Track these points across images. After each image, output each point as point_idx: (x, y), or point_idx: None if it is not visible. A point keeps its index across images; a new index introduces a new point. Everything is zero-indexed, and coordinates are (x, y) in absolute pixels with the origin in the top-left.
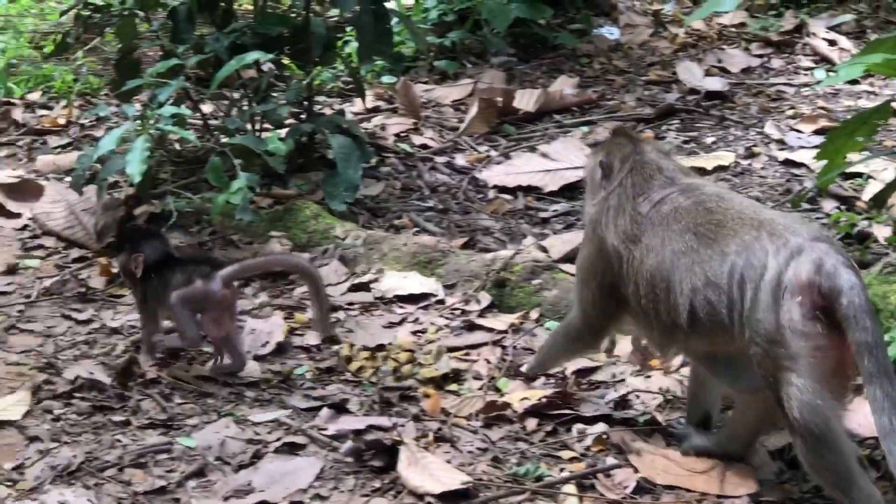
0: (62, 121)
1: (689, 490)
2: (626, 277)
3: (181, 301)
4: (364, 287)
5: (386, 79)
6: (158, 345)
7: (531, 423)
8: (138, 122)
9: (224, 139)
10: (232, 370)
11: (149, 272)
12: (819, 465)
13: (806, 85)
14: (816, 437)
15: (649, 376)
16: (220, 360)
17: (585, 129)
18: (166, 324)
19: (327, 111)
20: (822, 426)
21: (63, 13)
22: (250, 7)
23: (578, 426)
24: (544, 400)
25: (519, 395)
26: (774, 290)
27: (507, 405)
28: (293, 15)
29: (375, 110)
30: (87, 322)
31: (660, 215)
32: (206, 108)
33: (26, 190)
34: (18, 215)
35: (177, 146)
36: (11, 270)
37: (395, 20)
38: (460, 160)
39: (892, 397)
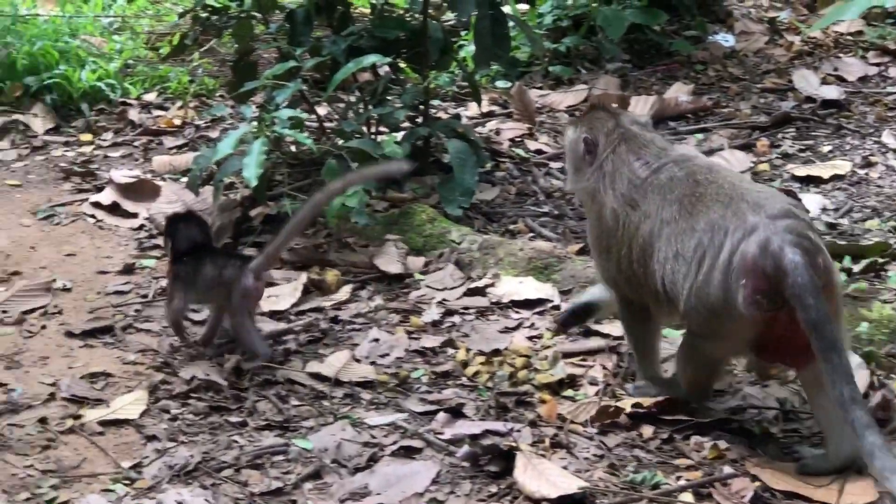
0: (178, 121)
1: (807, 500)
2: (621, 240)
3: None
4: (480, 292)
5: (501, 83)
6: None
7: (647, 431)
8: (255, 124)
9: (340, 142)
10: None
11: (182, 256)
12: (693, 373)
13: None
14: (706, 365)
15: (766, 385)
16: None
17: (700, 136)
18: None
19: (443, 115)
20: (713, 364)
21: (181, 15)
22: (367, 10)
23: (695, 437)
24: (658, 407)
25: (631, 401)
26: (725, 270)
27: (620, 410)
28: (410, 18)
29: (490, 115)
30: (203, 322)
31: (658, 182)
32: (322, 110)
33: (143, 190)
34: (135, 215)
35: (292, 148)
36: (128, 270)
37: (511, 24)
38: None
39: (841, 368)
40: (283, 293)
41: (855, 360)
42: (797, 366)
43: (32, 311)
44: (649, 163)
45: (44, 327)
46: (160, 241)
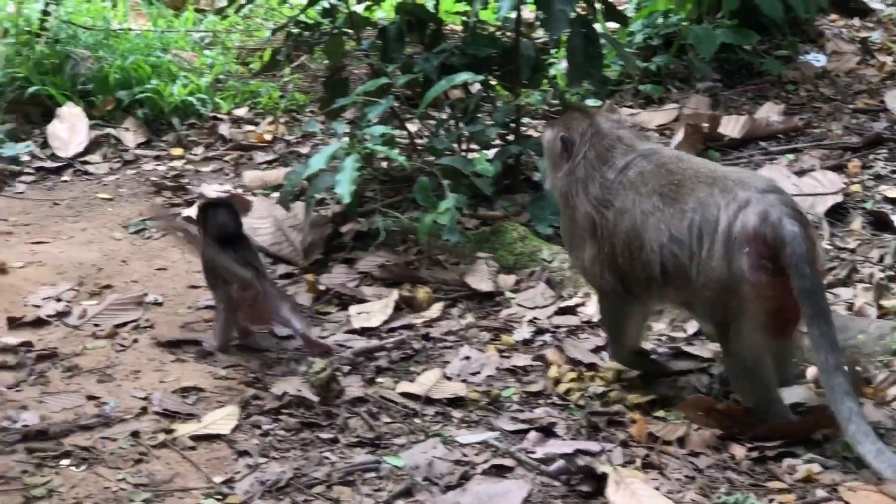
0: (268, 137)
1: None
2: (602, 239)
3: None
4: (570, 311)
5: (591, 102)
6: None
7: (739, 452)
8: (347, 140)
9: (431, 159)
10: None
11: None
12: (743, 386)
13: None
14: (748, 369)
15: (860, 405)
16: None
17: (791, 156)
18: None
19: (533, 133)
20: (754, 360)
21: (274, 31)
22: (459, 27)
23: (788, 459)
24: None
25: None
26: (726, 241)
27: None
28: (502, 36)
29: None
30: (293, 338)
31: (628, 180)
32: (412, 126)
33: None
34: None
35: (383, 164)
36: None
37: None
38: None
39: (828, 337)
40: (374, 310)
41: None
42: (783, 337)
43: (124, 324)
44: (617, 163)
45: (136, 341)
46: None
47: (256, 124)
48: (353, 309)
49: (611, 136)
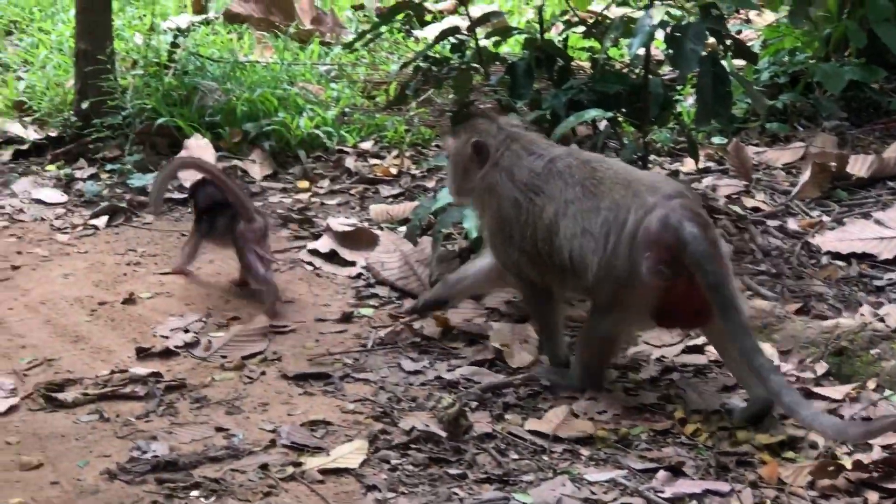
0: (394, 170)
1: None
2: (524, 224)
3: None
4: (698, 349)
5: (717, 139)
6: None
7: (872, 497)
8: None
9: None
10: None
11: (202, 211)
12: (586, 350)
13: None
14: (601, 340)
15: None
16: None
17: None
18: None
19: (659, 170)
20: (611, 339)
21: (403, 66)
22: (587, 64)
23: None
24: (879, 468)
25: (853, 459)
26: (630, 243)
27: (841, 468)
28: (630, 73)
29: (706, 171)
30: (422, 373)
31: (557, 169)
32: None
33: (360, 239)
34: (352, 263)
35: None
36: (346, 318)
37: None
38: (792, 224)
39: (740, 324)
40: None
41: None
42: (698, 326)
43: (252, 356)
44: (543, 155)
45: (263, 373)
46: (378, 289)
47: (382, 158)
48: (493, 343)
49: (526, 134)
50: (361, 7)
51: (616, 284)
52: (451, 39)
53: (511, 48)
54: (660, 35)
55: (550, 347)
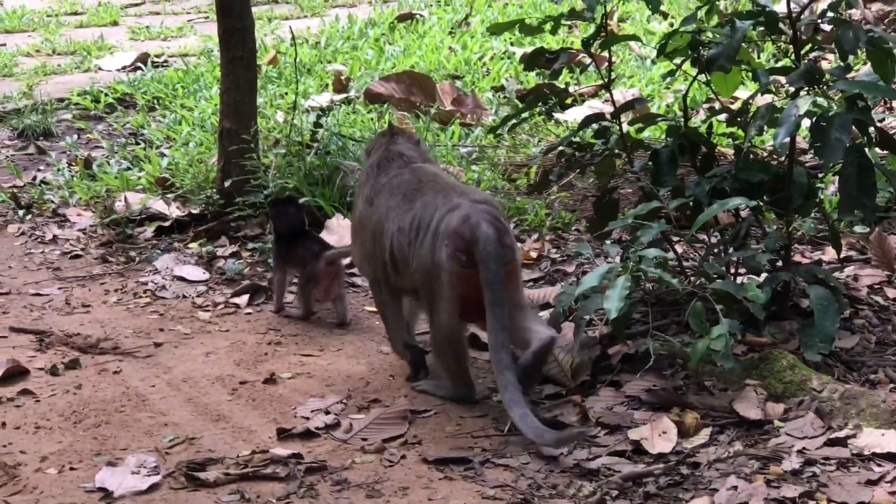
0: (534, 254)
1: None
2: (364, 229)
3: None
4: (840, 442)
5: (858, 228)
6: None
7: None
8: (619, 261)
9: (700, 282)
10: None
11: (280, 237)
12: (441, 359)
13: None
14: (444, 340)
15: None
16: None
17: None
18: None
19: (799, 258)
20: (449, 333)
21: (547, 151)
22: (730, 151)
23: None
24: None
25: None
26: (434, 236)
27: None
28: (773, 162)
29: (848, 260)
30: (561, 460)
31: (390, 185)
32: (678, 248)
33: None
34: None
35: (647, 286)
36: (485, 403)
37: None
38: None
39: (500, 320)
40: (645, 434)
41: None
42: (478, 320)
43: (392, 439)
44: (389, 172)
45: (404, 456)
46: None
47: (522, 241)
48: (633, 433)
49: (395, 151)
50: (502, 89)
51: (426, 274)
52: (593, 126)
53: (652, 133)
54: (805, 123)
55: (390, 339)
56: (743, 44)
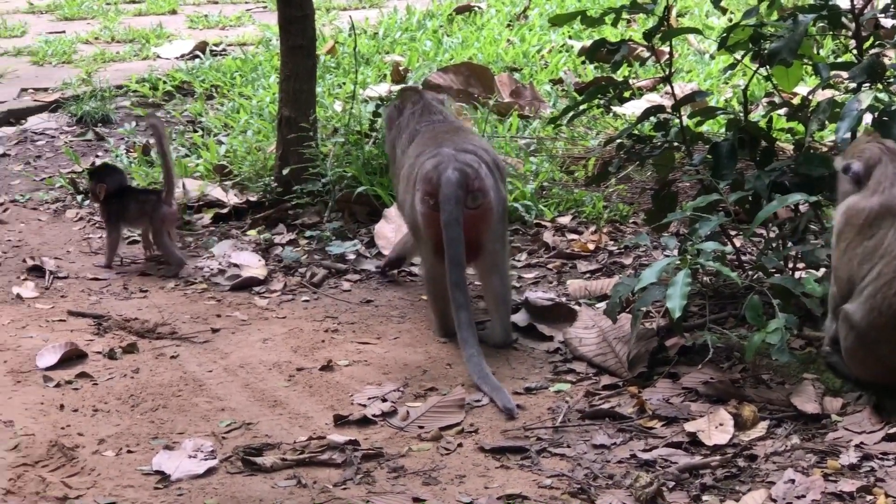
0: (591, 246)
1: None
2: (399, 173)
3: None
4: None
5: None
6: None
7: None
8: (677, 254)
9: (758, 276)
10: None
11: (110, 197)
12: (428, 292)
13: None
14: (429, 279)
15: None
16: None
17: None
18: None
19: None
20: (432, 272)
21: (606, 143)
22: (790, 146)
23: None
24: None
25: None
26: (415, 182)
27: None
28: (834, 156)
29: None
30: (617, 449)
31: (419, 134)
32: (737, 242)
33: (558, 313)
34: (550, 338)
35: (706, 279)
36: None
37: None
38: None
39: (455, 259)
40: (702, 427)
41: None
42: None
43: (448, 427)
44: (423, 123)
45: (460, 445)
46: (575, 365)
47: (580, 233)
48: (690, 425)
49: (432, 105)
50: (560, 81)
51: (411, 219)
52: (652, 119)
53: (710, 127)
54: (866, 118)
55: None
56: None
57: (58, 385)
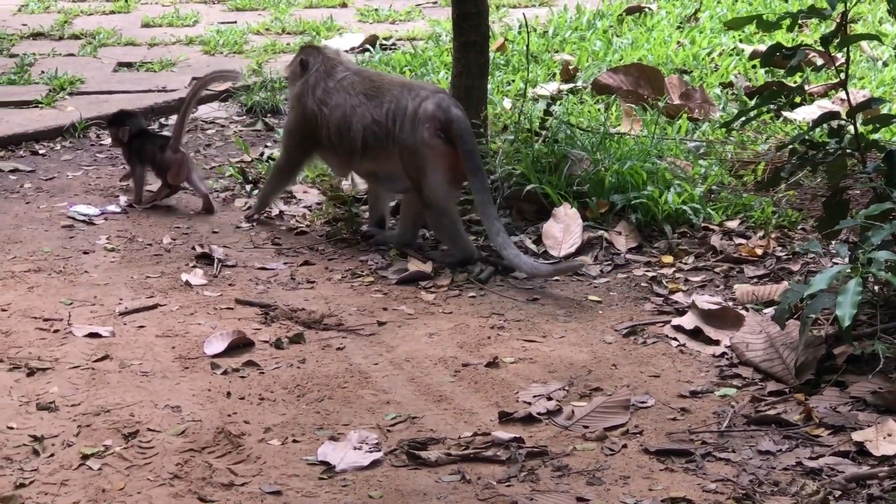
0: (759, 251)
1: None
2: (320, 127)
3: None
4: None
5: None
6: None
7: None
8: (849, 262)
9: None
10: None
11: (131, 139)
12: (440, 227)
13: None
14: (439, 211)
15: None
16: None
17: None
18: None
19: None
20: (443, 204)
21: (779, 148)
22: None
23: None
24: None
25: None
26: (412, 120)
27: None
28: None
29: None
30: (782, 456)
31: (342, 86)
32: None
33: (725, 318)
34: (717, 342)
35: (876, 288)
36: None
37: None
38: None
39: (482, 183)
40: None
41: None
42: (455, 186)
43: (613, 428)
44: (335, 76)
45: (625, 446)
46: (741, 370)
47: (748, 238)
48: (857, 435)
49: (334, 59)
50: (730, 85)
51: (411, 155)
52: (825, 125)
53: (883, 136)
54: None
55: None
56: None
57: (225, 372)
